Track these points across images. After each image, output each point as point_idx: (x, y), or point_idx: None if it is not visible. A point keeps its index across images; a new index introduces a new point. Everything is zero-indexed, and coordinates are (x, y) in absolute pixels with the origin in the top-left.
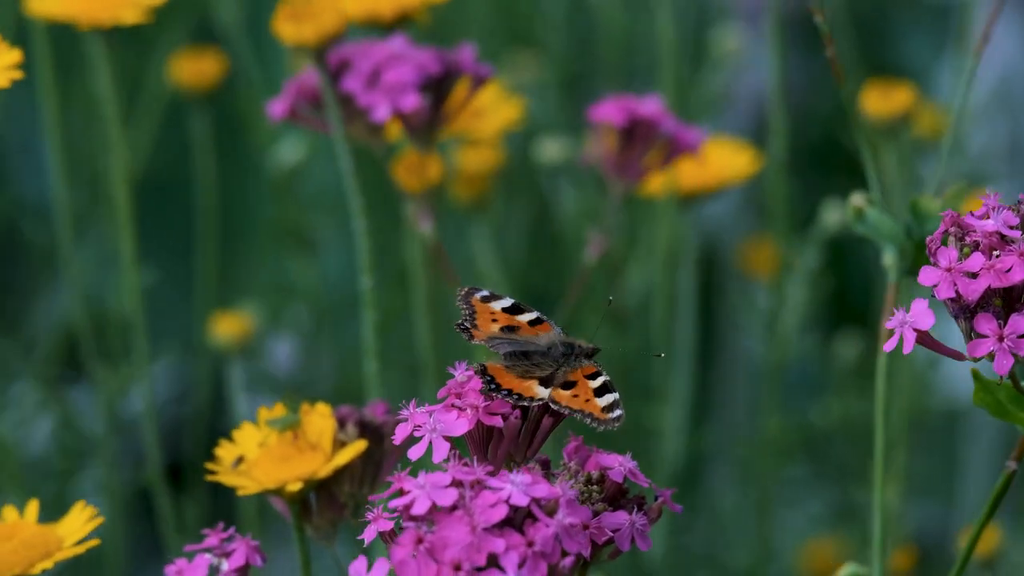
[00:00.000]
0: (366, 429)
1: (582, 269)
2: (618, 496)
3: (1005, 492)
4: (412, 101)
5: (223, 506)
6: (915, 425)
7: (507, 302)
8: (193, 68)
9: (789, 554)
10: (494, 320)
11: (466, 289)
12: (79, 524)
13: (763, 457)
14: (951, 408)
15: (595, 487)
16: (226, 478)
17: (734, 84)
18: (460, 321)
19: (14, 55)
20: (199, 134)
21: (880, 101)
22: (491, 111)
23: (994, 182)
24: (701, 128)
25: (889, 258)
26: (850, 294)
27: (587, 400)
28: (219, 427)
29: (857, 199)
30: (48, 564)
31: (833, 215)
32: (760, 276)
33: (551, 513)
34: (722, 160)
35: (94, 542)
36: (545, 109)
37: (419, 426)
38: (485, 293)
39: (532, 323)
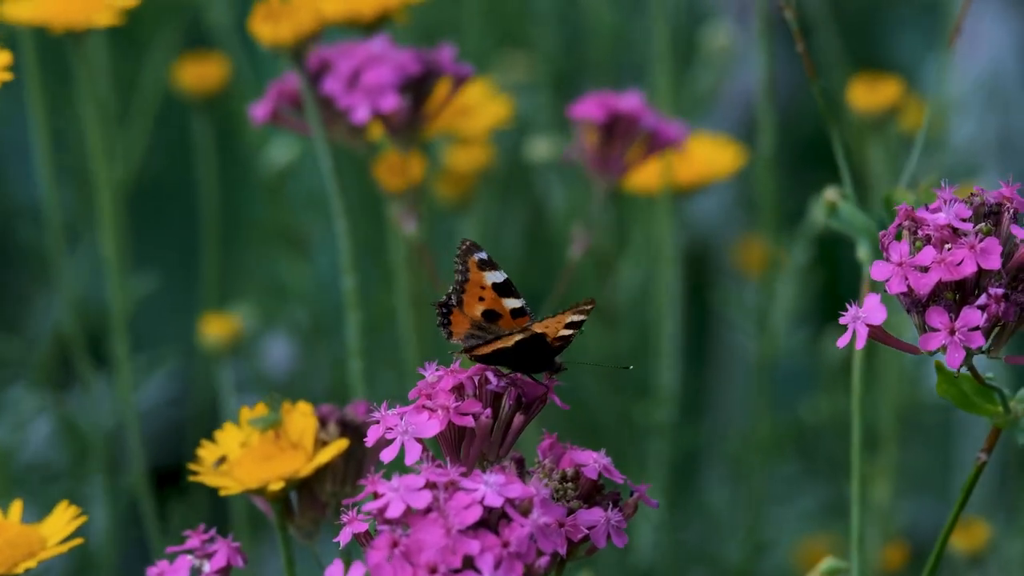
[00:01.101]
0: (347, 428)
1: (567, 266)
2: (593, 493)
3: (975, 482)
4: (391, 102)
5: (219, 509)
6: (909, 421)
7: (500, 276)
8: (195, 72)
9: (781, 550)
10: (480, 299)
11: (467, 243)
12: (62, 524)
13: (754, 454)
14: (945, 403)
15: (570, 484)
16: (208, 478)
17: (725, 82)
18: (445, 298)
19: (3, 57)
20: (202, 138)
21: (867, 95)
22: (480, 109)
23: (983, 175)
24: (690, 125)
25: (863, 252)
26: (844, 289)
27: None
28: (216, 429)
29: (831, 193)
30: (32, 563)
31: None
32: (752, 273)
33: (525, 513)
34: (708, 156)
35: (77, 541)
36: (536, 108)
37: (391, 428)
38: (484, 256)
39: (515, 313)
